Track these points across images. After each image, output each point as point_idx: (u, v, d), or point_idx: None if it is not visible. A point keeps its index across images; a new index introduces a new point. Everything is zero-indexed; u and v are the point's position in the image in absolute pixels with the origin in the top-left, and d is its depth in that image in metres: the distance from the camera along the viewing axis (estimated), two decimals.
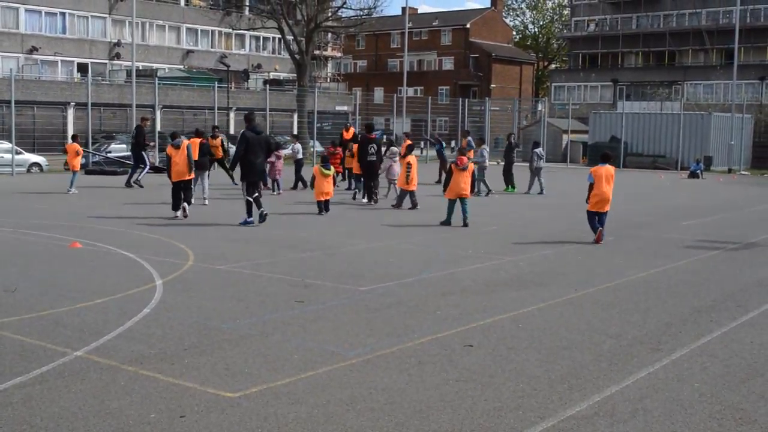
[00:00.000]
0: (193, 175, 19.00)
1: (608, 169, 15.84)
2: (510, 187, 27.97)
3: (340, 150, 26.68)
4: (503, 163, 29.00)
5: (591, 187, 15.69)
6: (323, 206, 19.60)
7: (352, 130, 29.73)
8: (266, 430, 5.86)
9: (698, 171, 40.09)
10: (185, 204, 18.42)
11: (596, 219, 15.82)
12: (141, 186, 26.51)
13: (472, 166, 18.71)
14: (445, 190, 18.26)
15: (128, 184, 26.62)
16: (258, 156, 17.08)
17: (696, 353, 8.09)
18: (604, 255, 14.34)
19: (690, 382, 7.16)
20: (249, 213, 17.23)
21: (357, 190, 23.98)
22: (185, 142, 18.92)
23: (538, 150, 27.55)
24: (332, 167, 20.26)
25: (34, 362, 7.28)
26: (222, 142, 28.25)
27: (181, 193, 18.44)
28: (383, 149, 23.56)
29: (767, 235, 17.71)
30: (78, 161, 25.26)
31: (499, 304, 10.13)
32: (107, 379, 6.89)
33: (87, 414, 6.07)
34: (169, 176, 18.61)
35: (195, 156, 19.54)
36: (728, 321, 9.50)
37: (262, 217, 17.10)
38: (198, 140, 21.44)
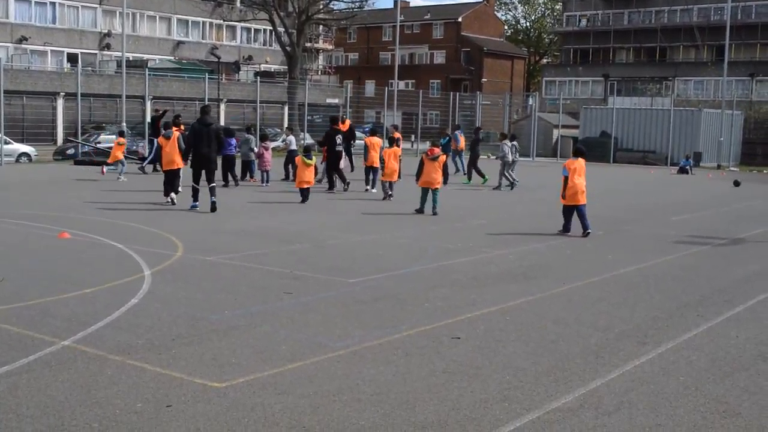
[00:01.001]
0: (182, 165, 19.34)
1: (581, 162, 16.00)
2: (483, 178, 27.99)
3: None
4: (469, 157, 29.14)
5: (566, 180, 15.81)
6: (305, 194, 20.19)
7: (348, 122, 29.86)
8: (253, 419, 5.87)
9: (687, 167, 40.23)
10: (173, 193, 19.02)
11: (573, 213, 15.90)
12: (145, 173, 27.37)
13: (443, 157, 19.19)
14: (417, 180, 18.87)
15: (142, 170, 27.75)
16: (203, 146, 17.85)
17: (682, 347, 8.14)
18: (594, 249, 14.38)
19: (675, 376, 7.20)
20: (194, 198, 18.14)
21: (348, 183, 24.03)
22: (176, 133, 19.33)
23: (514, 143, 26.96)
24: (314, 158, 20.76)
25: (21, 351, 7.27)
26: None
27: (174, 180, 19.10)
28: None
29: (755, 230, 17.79)
30: (121, 152, 25.35)
31: (487, 297, 10.16)
32: (94, 368, 6.89)
33: (74, 403, 6.07)
34: (161, 165, 19.24)
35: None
36: (715, 316, 9.55)
37: (213, 207, 17.67)
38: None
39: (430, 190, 18.51)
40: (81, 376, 6.67)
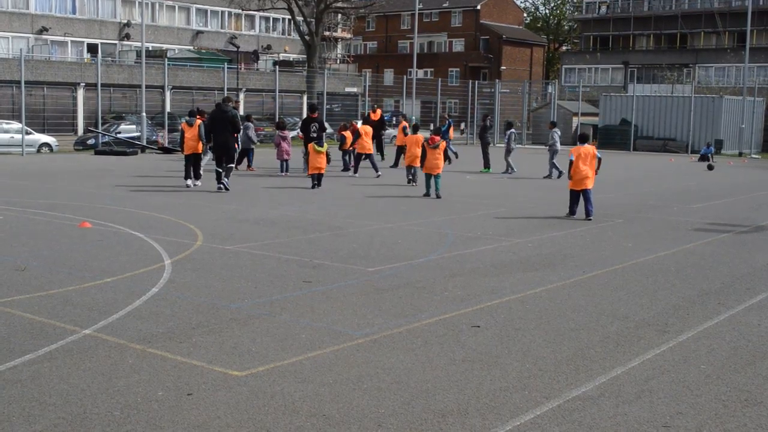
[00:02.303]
0: (201, 150, 20.81)
1: (587, 148, 16.58)
2: (486, 168, 28.18)
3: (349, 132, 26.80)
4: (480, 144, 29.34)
5: (571, 164, 16.39)
6: (316, 180, 21.19)
7: (379, 111, 30.59)
8: (273, 408, 5.89)
9: (709, 154, 39.94)
10: (193, 177, 20.67)
11: (579, 197, 16.53)
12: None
13: (443, 144, 20.45)
14: (422, 166, 20.46)
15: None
16: (219, 132, 19.64)
17: (703, 335, 8.09)
18: (613, 237, 14.32)
19: (696, 364, 7.17)
20: (218, 180, 19.74)
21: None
22: (198, 120, 20.80)
23: (512, 131, 27.64)
24: (325, 144, 21.69)
25: (43, 340, 7.32)
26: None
27: (192, 165, 20.70)
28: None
29: None
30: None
31: (506, 285, 10.14)
32: (115, 357, 6.93)
33: (95, 391, 6.12)
34: (182, 150, 21.09)
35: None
36: (736, 304, 9.50)
37: (225, 187, 19.54)
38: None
39: (432, 176, 19.66)
40: (102, 365, 6.72)
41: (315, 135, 23.29)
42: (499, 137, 46.37)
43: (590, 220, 16.17)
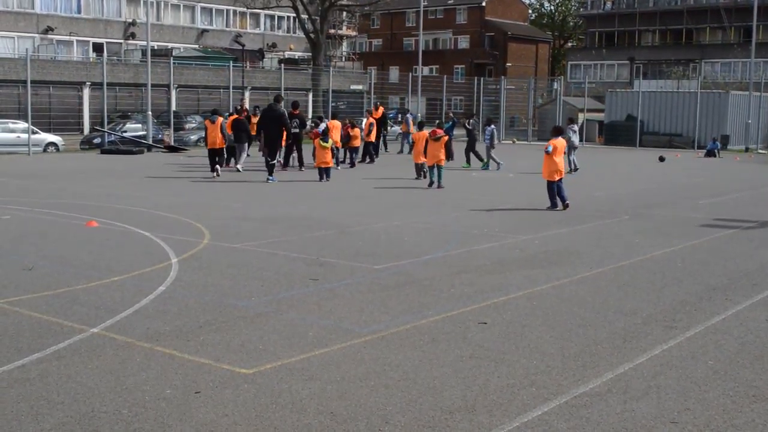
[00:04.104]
0: (223, 144, 23.23)
1: (561, 141, 17.43)
2: (467, 163, 28.53)
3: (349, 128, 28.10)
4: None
5: (548, 157, 17.01)
6: (323, 173, 22.29)
7: (381, 109, 31.35)
8: (280, 405, 5.90)
9: (715, 149, 39.82)
10: (218, 167, 22.80)
11: (555, 188, 17.21)
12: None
13: (446, 138, 21.32)
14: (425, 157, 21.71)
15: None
16: (269, 128, 21.95)
17: (710, 331, 8.08)
18: (619, 233, 14.30)
19: (704, 360, 7.16)
20: (269, 172, 21.86)
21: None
22: (219, 119, 23.19)
23: (492, 128, 27.88)
24: (330, 140, 22.92)
25: (51, 339, 7.34)
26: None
27: (215, 157, 22.96)
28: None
29: None
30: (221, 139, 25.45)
31: (513, 282, 10.14)
32: (123, 355, 6.95)
33: (103, 390, 6.13)
34: (206, 144, 23.66)
35: (229, 131, 24.07)
36: (743, 299, 9.48)
37: (268, 180, 21.58)
38: (233, 117, 25.38)
39: (436, 166, 20.80)
40: (110, 363, 6.73)
41: (297, 130, 24.76)
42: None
43: (568, 206, 17.09)
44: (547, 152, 17.02)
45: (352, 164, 27.43)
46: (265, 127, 21.94)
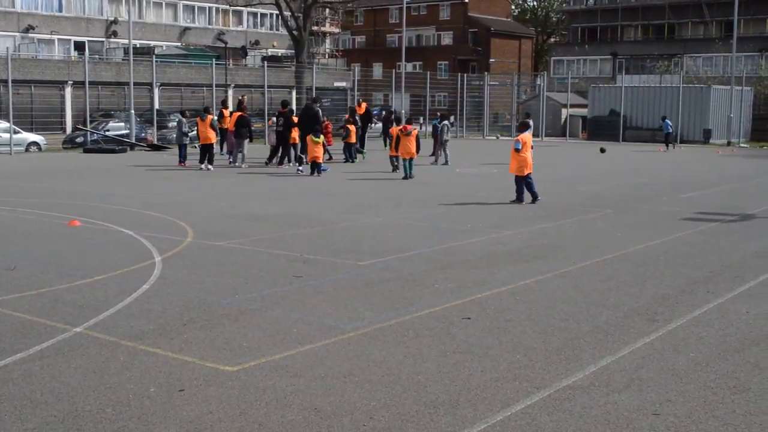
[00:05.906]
0: (214, 140, 25.18)
1: (529, 136, 17.85)
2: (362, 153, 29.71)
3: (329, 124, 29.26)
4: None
5: (517, 152, 17.26)
6: (315, 167, 23.09)
7: (364, 105, 31.59)
8: (265, 402, 5.91)
9: (668, 133, 40.59)
10: (207, 163, 24.33)
11: (523, 183, 17.46)
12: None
13: (416, 132, 22.90)
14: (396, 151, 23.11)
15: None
16: (305, 126, 23.99)
17: (692, 323, 8.14)
18: (603, 228, 14.37)
19: (685, 352, 7.21)
20: (299, 163, 24.18)
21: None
22: (209, 116, 25.05)
23: (446, 122, 28.54)
24: (321, 136, 23.69)
25: (34, 338, 7.32)
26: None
27: (206, 153, 24.61)
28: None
29: (765, 207, 17.73)
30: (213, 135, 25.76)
31: (497, 277, 10.17)
32: (107, 354, 6.94)
33: (87, 389, 6.12)
34: (198, 140, 25.46)
35: (231, 127, 26.31)
36: (725, 292, 9.55)
37: (298, 171, 23.64)
38: (237, 114, 26.25)
39: (406, 160, 22.28)
40: (94, 362, 6.72)
41: (281, 128, 25.44)
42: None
43: (539, 200, 17.38)
44: (516, 150, 17.30)
45: (347, 160, 28.24)
46: (302, 125, 24.17)
